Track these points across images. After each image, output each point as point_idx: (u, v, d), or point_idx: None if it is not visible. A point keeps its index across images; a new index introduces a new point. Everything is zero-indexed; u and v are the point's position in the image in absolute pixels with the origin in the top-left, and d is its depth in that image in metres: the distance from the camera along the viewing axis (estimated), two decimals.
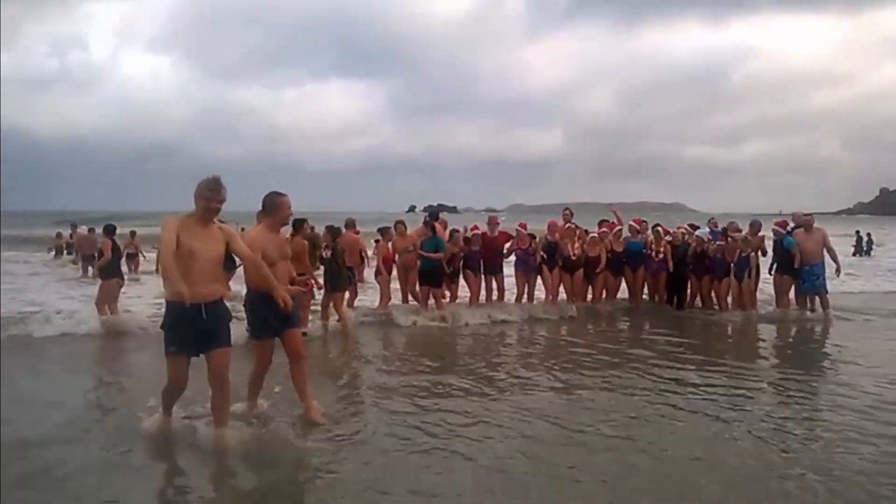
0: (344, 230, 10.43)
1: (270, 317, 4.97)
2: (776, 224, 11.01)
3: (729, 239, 11.05)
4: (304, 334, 7.03)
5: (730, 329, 10.21)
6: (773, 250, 10.95)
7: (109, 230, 10.08)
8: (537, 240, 11.00)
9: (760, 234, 11.15)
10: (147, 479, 4.24)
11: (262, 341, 5.19)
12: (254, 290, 5.07)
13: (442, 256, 10.28)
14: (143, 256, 18.68)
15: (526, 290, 11.13)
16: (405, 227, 10.92)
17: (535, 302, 11.11)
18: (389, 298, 10.77)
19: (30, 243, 27.19)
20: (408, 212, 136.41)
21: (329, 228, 9.91)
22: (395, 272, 10.89)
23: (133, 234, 19.94)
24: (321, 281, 9.24)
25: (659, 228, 11.48)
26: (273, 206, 5.16)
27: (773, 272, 10.95)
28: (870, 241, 26.59)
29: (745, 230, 11.14)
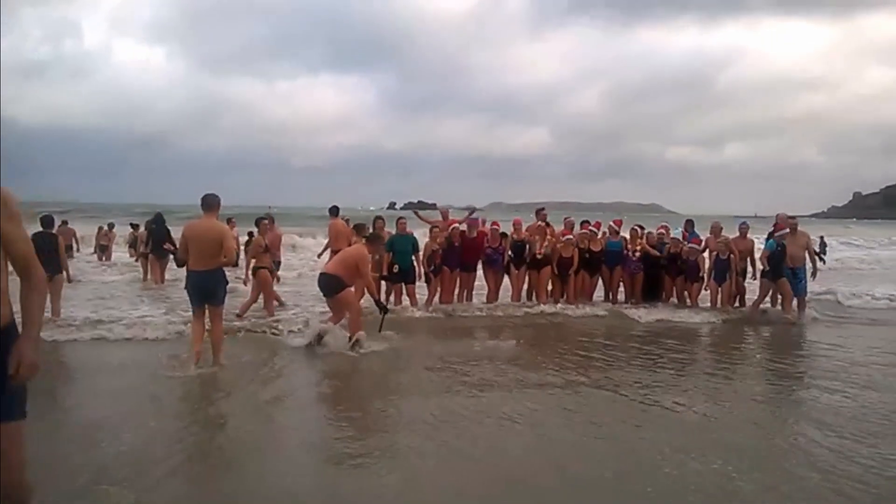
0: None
1: None
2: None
3: (706, 241, 11.16)
4: None
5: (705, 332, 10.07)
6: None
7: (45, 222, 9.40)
8: (507, 239, 11.04)
9: (749, 238, 11.16)
10: None
11: None
12: None
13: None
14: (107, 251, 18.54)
15: (495, 289, 11.15)
16: (384, 223, 10.86)
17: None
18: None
19: None
20: (388, 208, 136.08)
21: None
22: None
23: (111, 226, 19.68)
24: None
25: (636, 228, 11.54)
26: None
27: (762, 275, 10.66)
28: (823, 245, 27.28)
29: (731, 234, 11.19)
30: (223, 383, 6.39)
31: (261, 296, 9.77)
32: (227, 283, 6.95)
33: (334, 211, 12.05)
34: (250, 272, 9.82)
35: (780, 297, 10.59)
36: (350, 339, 7.64)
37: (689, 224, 12.08)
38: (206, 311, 6.79)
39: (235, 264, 7.67)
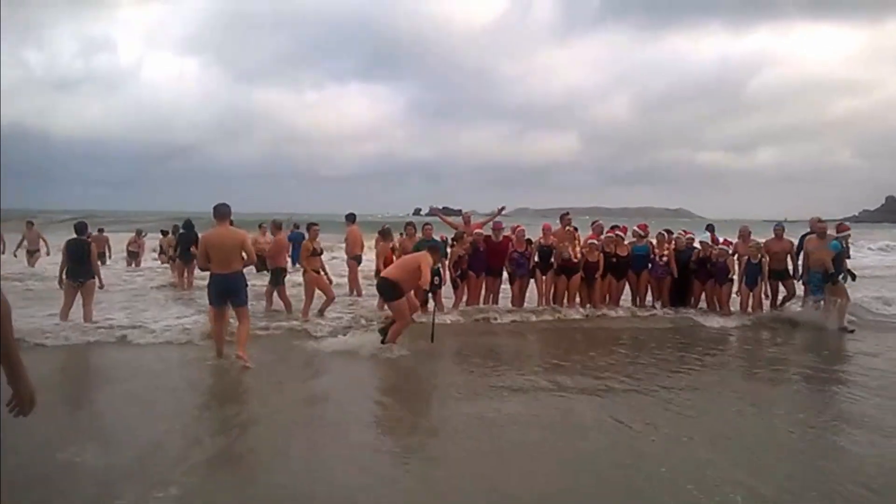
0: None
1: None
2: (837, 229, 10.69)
3: (735, 245, 11.12)
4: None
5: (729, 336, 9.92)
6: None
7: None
8: (534, 244, 11.02)
9: (786, 239, 10.90)
10: None
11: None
12: None
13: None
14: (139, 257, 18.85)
15: (520, 293, 11.12)
16: (414, 230, 11.11)
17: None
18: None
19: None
20: (413, 215, 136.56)
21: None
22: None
23: (139, 232, 19.99)
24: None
25: (663, 232, 11.46)
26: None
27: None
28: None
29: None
30: (259, 384, 6.53)
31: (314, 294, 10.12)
32: (246, 283, 7.43)
33: (351, 218, 12.64)
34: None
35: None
36: (383, 342, 7.86)
37: (710, 228, 12.02)
38: (226, 311, 7.33)
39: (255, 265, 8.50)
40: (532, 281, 11.14)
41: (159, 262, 18.53)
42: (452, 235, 11.05)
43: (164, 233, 18.73)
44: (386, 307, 8.89)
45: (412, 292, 8.32)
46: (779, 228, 11.00)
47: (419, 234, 11.01)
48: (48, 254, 17.49)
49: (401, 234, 11.24)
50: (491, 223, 11.31)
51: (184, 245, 13.48)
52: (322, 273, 10.17)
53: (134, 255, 18.93)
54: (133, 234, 19.79)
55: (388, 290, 8.02)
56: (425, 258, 8.06)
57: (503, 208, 11.94)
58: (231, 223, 7.53)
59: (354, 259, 12.56)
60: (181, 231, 14.14)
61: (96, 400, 6.26)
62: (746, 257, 10.75)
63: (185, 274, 13.70)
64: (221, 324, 7.37)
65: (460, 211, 12.68)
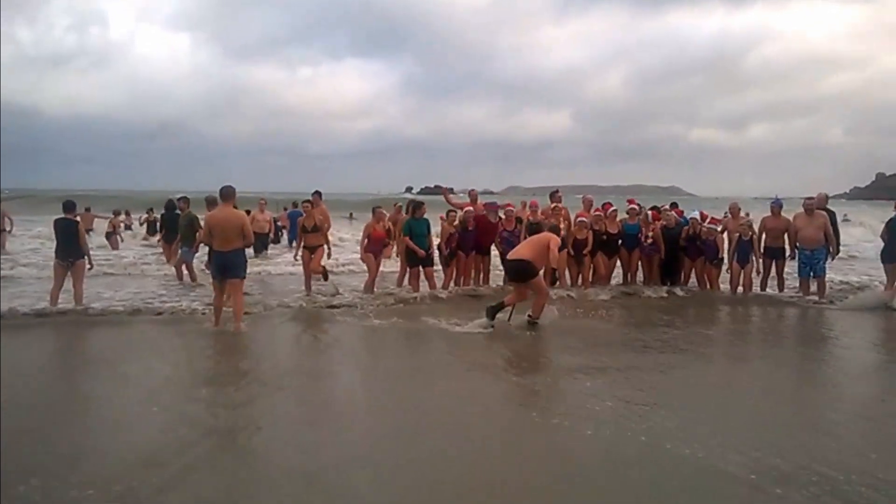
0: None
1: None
2: None
3: (725, 222, 11.12)
4: None
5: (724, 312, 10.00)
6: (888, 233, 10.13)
7: None
8: (523, 222, 10.99)
9: (783, 216, 10.77)
10: None
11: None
12: None
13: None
14: (121, 238, 18.76)
15: None
16: (401, 209, 11.59)
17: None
18: (375, 276, 10.64)
19: None
20: (404, 193, 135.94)
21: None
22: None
23: (116, 213, 19.90)
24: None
25: (650, 212, 11.45)
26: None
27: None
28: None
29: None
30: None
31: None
32: (246, 261, 8.19)
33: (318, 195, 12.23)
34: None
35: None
36: (534, 317, 8.08)
37: (674, 207, 12.13)
38: (227, 284, 7.92)
39: (252, 245, 8.88)
40: None
41: (144, 240, 18.84)
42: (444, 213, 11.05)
43: (150, 211, 19.57)
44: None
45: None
46: (775, 206, 10.76)
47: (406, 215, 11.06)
48: (12, 233, 17.19)
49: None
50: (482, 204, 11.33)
51: (168, 225, 13.49)
52: (324, 248, 10.64)
53: (108, 236, 18.49)
54: (112, 215, 19.74)
55: (524, 270, 8.15)
56: (553, 238, 8.39)
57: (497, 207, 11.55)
58: (235, 206, 8.18)
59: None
60: (164, 213, 14.15)
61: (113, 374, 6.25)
62: (737, 234, 10.72)
63: (170, 253, 13.63)
64: (220, 295, 8.00)
65: (452, 189, 12.63)
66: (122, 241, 18.70)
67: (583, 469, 4.02)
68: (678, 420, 4.73)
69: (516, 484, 3.78)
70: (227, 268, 7.89)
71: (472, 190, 12.06)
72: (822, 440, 4.42)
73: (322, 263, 10.73)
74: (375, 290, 10.43)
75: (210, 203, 9.87)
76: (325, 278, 10.73)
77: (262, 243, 14.16)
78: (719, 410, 5.12)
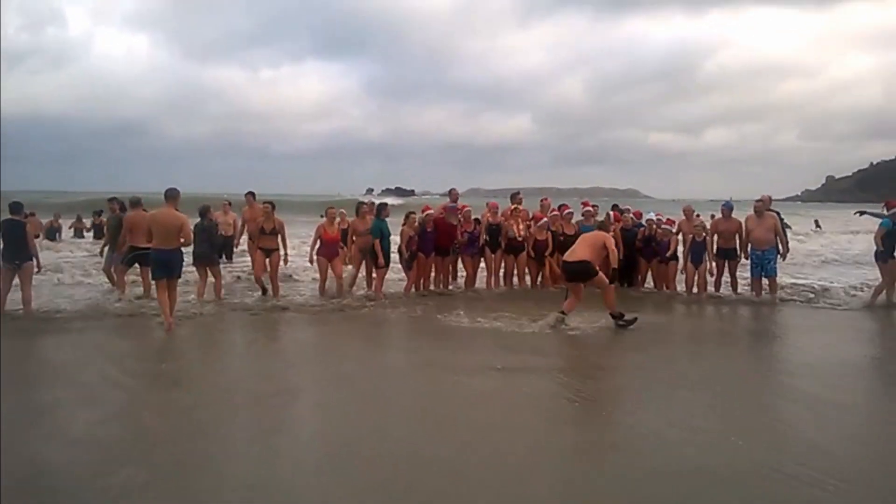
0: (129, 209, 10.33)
1: None
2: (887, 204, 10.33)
3: (679, 224, 11.24)
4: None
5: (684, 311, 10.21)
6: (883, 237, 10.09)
7: None
8: (482, 223, 11.08)
9: (733, 218, 10.92)
10: None
11: None
12: None
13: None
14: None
15: (473, 272, 11.26)
16: (369, 209, 10.93)
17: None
18: (325, 277, 10.49)
19: None
20: (365, 194, 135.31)
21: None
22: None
23: (57, 216, 19.63)
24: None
25: (611, 213, 11.57)
26: None
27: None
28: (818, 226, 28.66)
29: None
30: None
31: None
32: (183, 260, 8.48)
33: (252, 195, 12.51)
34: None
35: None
36: (614, 315, 8.31)
37: (615, 208, 12.22)
38: (169, 282, 8.20)
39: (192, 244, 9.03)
40: (482, 259, 11.24)
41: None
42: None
43: (98, 213, 19.11)
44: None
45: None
46: (726, 209, 11.00)
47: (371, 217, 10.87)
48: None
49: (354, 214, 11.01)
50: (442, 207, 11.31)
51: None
52: (279, 251, 10.26)
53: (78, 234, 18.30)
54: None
55: (584, 271, 8.30)
56: (608, 237, 8.68)
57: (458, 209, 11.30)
58: (176, 208, 8.37)
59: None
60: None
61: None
62: (691, 236, 10.89)
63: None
64: (164, 293, 8.16)
65: (413, 191, 12.56)
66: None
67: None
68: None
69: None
70: (167, 265, 8.17)
71: (453, 189, 11.97)
72: None
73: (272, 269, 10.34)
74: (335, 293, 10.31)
75: (133, 204, 10.23)
76: (264, 293, 10.30)
77: (227, 246, 13.22)
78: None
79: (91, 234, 19.90)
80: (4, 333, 7.62)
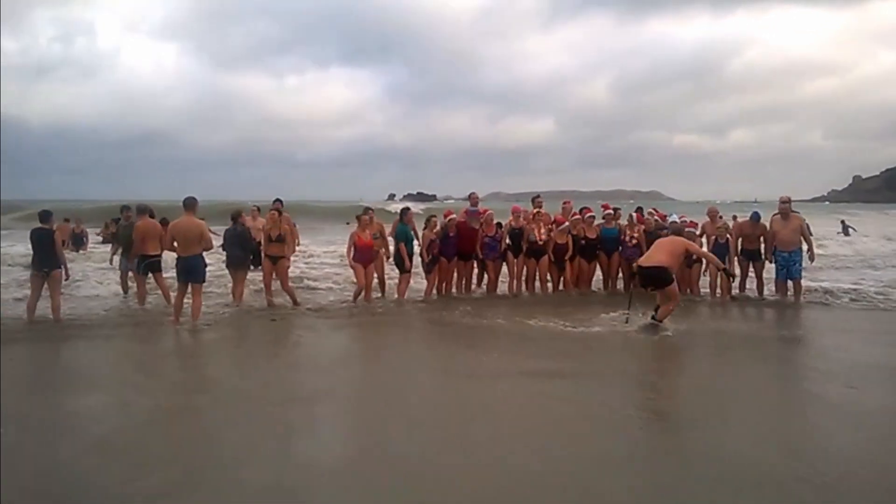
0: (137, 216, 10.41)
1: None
2: None
3: (703, 225, 11.08)
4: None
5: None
6: None
7: None
8: (504, 227, 11.06)
9: (760, 223, 10.86)
10: None
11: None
12: None
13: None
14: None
15: (494, 276, 11.21)
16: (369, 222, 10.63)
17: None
18: (363, 283, 10.34)
19: None
20: (387, 200, 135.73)
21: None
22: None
23: (66, 221, 19.81)
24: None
25: (634, 214, 11.57)
26: None
27: None
28: (846, 227, 27.71)
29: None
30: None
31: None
32: (206, 265, 8.99)
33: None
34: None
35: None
36: (659, 320, 8.09)
37: (639, 210, 12.16)
38: (188, 286, 8.77)
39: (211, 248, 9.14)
40: (504, 264, 11.18)
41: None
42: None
43: (116, 220, 18.95)
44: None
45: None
46: (752, 220, 10.96)
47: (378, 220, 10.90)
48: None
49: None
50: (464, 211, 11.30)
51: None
52: (285, 259, 10.14)
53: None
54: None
55: (661, 277, 8.08)
56: (689, 243, 8.65)
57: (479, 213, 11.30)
58: (195, 216, 8.88)
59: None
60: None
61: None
62: (714, 237, 10.82)
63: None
64: (182, 297, 8.82)
65: (434, 196, 12.56)
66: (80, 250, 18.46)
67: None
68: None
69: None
70: (189, 271, 8.72)
71: (473, 193, 12.02)
72: None
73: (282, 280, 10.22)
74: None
75: (141, 212, 10.36)
76: (270, 305, 10.04)
77: (256, 252, 13.12)
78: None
79: (102, 240, 20.09)
80: (22, 340, 7.96)
